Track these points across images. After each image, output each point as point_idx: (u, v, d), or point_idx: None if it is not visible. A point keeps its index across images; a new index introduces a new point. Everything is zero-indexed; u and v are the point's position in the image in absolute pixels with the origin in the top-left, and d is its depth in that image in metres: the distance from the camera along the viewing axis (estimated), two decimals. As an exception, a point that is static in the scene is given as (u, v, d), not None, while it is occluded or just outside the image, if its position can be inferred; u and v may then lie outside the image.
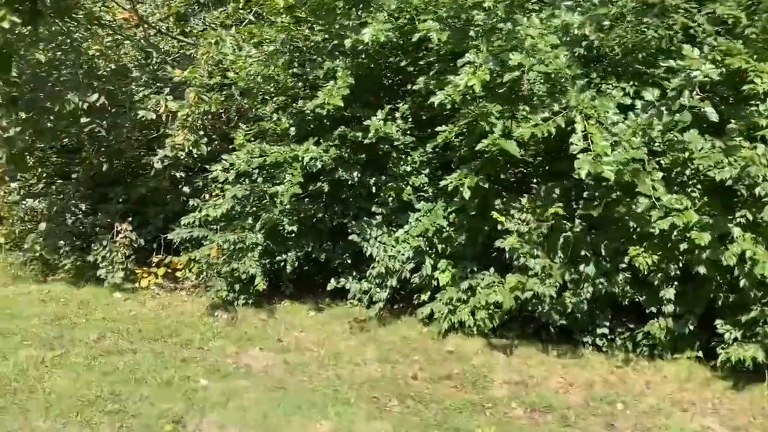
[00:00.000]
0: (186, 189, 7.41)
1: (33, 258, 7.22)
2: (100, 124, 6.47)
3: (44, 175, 8.01)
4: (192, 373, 4.75)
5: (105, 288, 6.75)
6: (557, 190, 5.72)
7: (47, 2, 5.93)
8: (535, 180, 6.35)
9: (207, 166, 7.26)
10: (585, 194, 5.59)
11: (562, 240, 5.61)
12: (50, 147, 7.38)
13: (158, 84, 7.45)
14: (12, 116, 6.10)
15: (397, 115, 6.16)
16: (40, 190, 7.95)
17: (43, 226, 7.15)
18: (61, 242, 7.21)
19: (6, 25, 5.34)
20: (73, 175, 7.88)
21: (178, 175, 7.31)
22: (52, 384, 4.37)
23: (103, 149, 7.54)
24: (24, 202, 7.73)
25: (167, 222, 7.42)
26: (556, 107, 4.97)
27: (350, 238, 6.20)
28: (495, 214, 5.45)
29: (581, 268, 5.62)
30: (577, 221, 5.65)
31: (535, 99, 5.39)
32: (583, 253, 5.62)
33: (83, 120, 6.34)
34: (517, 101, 5.47)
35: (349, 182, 6.32)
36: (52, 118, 6.27)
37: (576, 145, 4.64)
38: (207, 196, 7.17)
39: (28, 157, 6.86)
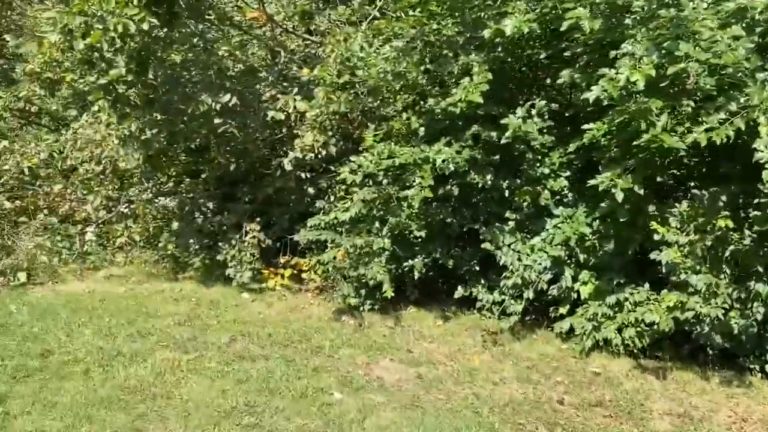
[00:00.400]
0: (311, 190, 7.34)
1: (165, 256, 7.40)
2: (232, 124, 6.47)
3: (173, 174, 8.23)
4: (325, 385, 4.57)
5: (233, 288, 6.78)
6: (723, 197, 5.05)
7: (182, 3, 6.00)
8: (692, 183, 5.69)
9: (331, 167, 7.18)
10: (758, 201, 4.92)
11: (728, 253, 4.97)
12: (179, 147, 7.51)
13: (284, 84, 7.43)
14: (147, 118, 6.20)
15: (533, 112, 5.72)
16: (170, 189, 8.20)
17: (175, 225, 7.32)
18: (191, 241, 7.35)
19: (146, 27, 5.42)
20: (202, 175, 8.06)
21: (303, 175, 7.23)
22: (188, 390, 4.32)
23: (229, 149, 7.63)
24: (156, 201, 7.98)
25: (292, 222, 7.41)
26: (733, 106, 4.34)
27: (483, 246, 5.82)
28: (654, 225, 4.88)
29: (751, 285, 4.97)
30: (747, 232, 4.98)
31: (699, 94, 4.78)
32: (754, 268, 4.97)
33: (216, 121, 6.35)
34: (680, 96, 4.87)
35: (480, 185, 5.94)
36: (185, 119, 6.32)
37: (762, 152, 4.03)
38: (332, 198, 7.09)
39: (162, 157, 7.00)
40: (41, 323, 5.42)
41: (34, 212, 7.64)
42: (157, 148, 6.63)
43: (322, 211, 6.94)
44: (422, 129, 6.12)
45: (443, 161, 5.53)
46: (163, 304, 6.21)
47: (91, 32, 5.34)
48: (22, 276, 6.73)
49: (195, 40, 6.72)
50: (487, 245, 5.79)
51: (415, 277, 6.06)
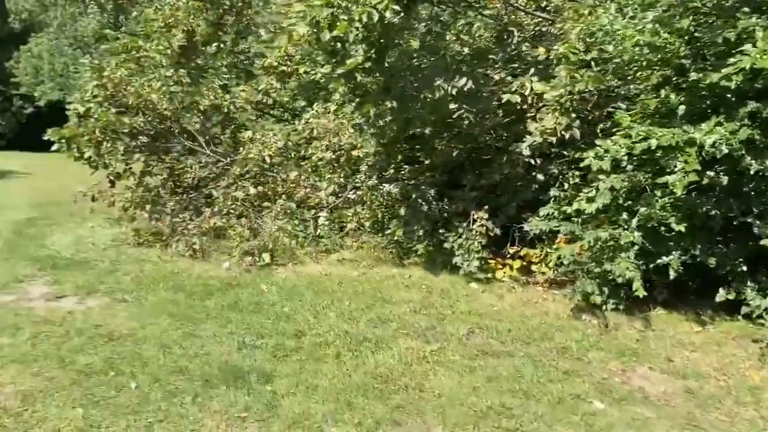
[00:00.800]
0: (539, 176, 6.94)
1: (392, 241, 7.49)
2: (467, 109, 6.27)
3: (395, 161, 8.29)
4: (581, 391, 4.19)
5: (459, 276, 6.65)
6: None
7: (420, -12, 5.90)
8: None
9: (564, 152, 6.70)
10: None
11: None
12: (408, 134, 7.51)
13: (512, 65, 7.08)
14: (383, 105, 6.22)
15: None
16: (391, 176, 8.30)
17: (402, 211, 7.36)
18: (415, 227, 7.35)
19: (389, 14, 5.39)
20: (425, 161, 8.04)
21: (531, 161, 6.85)
22: (438, 384, 4.21)
23: (453, 135, 7.48)
24: (381, 187, 8.11)
25: (518, 210, 7.09)
26: None
27: (762, 242, 4.98)
28: None
29: None
30: None
31: None
32: None
33: (451, 106, 6.19)
34: None
35: (755, 171, 5.08)
36: (419, 105, 6.26)
37: None
38: (565, 185, 6.63)
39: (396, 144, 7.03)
40: (290, 303, 5.70)
41: (274, 198, 8.18)
42: (390, 136, 6.67)
43: (552, 200, 6.54)
44: (682, 107, 5.39)
45: (713, 143, 4.80)
46: (395, 290, 6.24)
47: (337, 23, 5.45)
48: (267, 257, 7.21)
49: (426, 24, 6.64)
50: (766, 242, 4.95)
51: (670, 276, 5.39)
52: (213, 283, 6.27)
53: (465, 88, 5.99)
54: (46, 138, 8.21)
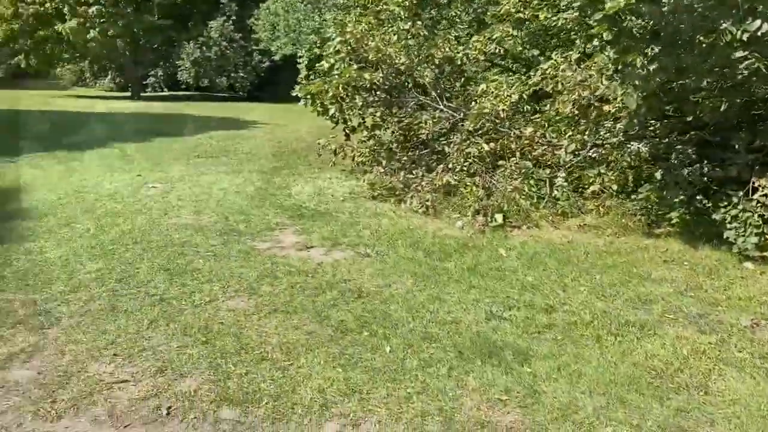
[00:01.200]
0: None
1: (642, 207, 6.72)
2: (759, 58, 5.22)
3: (656, 116, 7.35)
4: None
5: (727, 253, 5.76)
6: None
7: None
8: None
9: None
10: None
11: None
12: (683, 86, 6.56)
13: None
14: (650, 51, 5.42)
15: None
16: (637, 133, 7.40)
17: (658, 174, 6.53)
18: (672, 192, 6.48)
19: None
20: (686, 117, 7.01)
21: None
22: (726, 386, 3.56)
23: (718, 86, 6.38)
24: (628, 145, 7.29)
25: (809, 179, 5.90)
26: None
27: None
28: None
29: None
30: None
31: None
32: None
33: (738, 54, 5.19)
34: None
35: None
36: (695, 52, 5.35)
37: None
38: None
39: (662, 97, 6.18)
40: (533, 272, 5.34)
41: (507, 155, 7.77)
42: (653, 88, 5.84)
43: None
44: None
45: None
46: (651, 264, 5.56)
47: (606, -41, 4.78)
48: (499, 217, 6.89)
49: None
50: None
51: None
52: (449, 243, 6.13)
53: (759, 33, 4.94)
54: (294, 94, 8.64)
